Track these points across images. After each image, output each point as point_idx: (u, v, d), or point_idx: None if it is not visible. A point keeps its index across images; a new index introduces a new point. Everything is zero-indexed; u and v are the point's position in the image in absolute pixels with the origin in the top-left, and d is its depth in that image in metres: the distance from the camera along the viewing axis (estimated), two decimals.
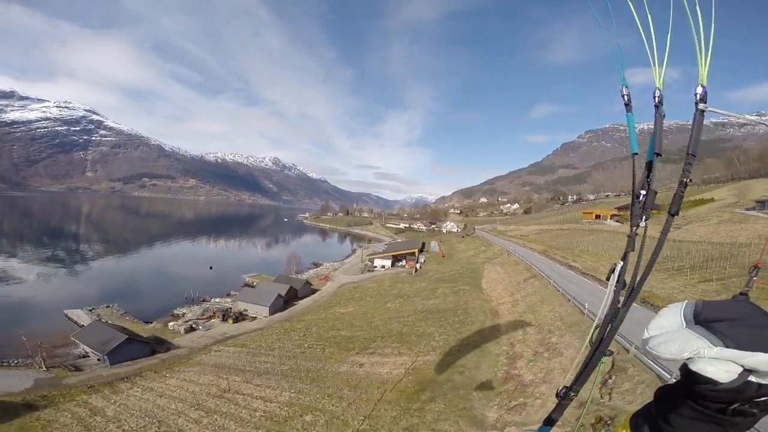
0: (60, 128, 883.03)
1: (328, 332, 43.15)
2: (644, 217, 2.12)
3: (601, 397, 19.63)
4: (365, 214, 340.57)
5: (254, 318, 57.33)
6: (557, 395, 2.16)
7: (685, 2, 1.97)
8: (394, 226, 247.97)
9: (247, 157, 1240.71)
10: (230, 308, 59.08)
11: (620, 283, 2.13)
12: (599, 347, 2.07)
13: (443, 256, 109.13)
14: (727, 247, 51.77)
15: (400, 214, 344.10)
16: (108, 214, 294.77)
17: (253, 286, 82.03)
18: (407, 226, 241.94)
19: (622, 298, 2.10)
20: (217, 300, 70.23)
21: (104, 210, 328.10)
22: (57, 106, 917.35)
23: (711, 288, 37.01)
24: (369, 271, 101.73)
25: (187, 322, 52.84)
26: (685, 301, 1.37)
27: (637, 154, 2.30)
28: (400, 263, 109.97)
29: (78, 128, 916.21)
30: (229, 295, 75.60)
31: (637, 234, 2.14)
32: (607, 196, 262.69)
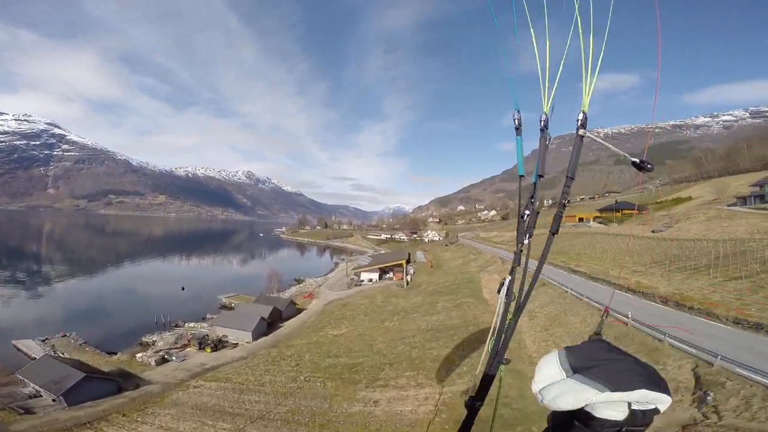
0: (19, 143, 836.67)
1: (325, 360, 37.88)
2: (527, 236, 2.28)
3: (705, 416, 16.38)
4: (344, 227, 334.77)
5: (235, 345, 51.09)
6: (465, 405, 2.25)
7: (581, 39, 2.17)
8: (375, 237, 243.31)
9: (219, 171, 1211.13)
10: (207, 335, 52.53)
11: (509, 296, 2.35)
12: (496, 357, 2.23)
13: (432, 266, 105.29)
14: (730, 244, 50.29)
15: (380, 225, 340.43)
16: (71, 233, 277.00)
17: (231, 308, 75.44)
18: (388, 236, 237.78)
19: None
20: (192, 325, 63.32)
21: (67, 229, 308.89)
22: (15, 119, 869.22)
23: (743, 286, 34.38)
24: (356, 285, 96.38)
25: (158, 352, 46.16)
26: (557, 351, 1.54)
27: (523, 176, 2.49)
28: (388, 275, 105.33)
29: (38, 142, 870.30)
30: (204, 319, 68.75)
31: (522, 251, 2.31)
32: (582, 199, 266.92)
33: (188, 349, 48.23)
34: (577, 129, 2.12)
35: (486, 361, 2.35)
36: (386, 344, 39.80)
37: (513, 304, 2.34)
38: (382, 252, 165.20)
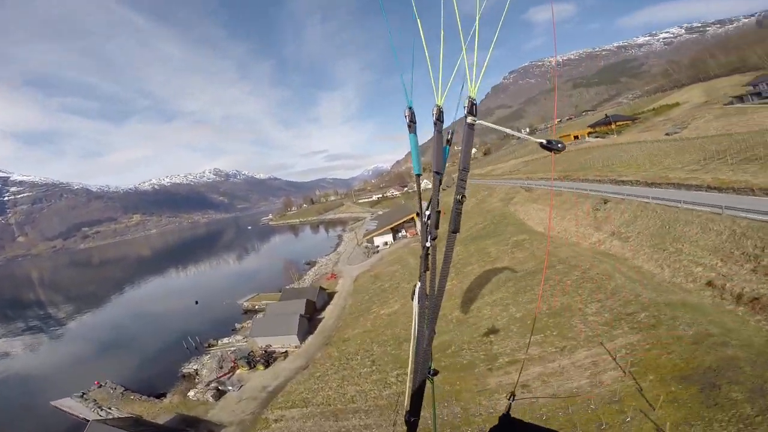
0: None
1: (401, 348, 33.54)
2: (430, 237, 2.30)
3: None
4: (332, 198, 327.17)
5: (284, 353, 46.48)
6: (405, 422, 2.25)
7: (460, 28, 2.17)
8: (366, 200, 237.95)
9: (185, 176, 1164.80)
10: (252, 351, 47.53)
11: (422, 300, 2.32)
12: (419, 369, 2.19)
13: (444, 213, 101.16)
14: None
15: (366, 188, 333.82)
16: (60, 275, 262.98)
17: (257, 311, 70.73)
18: (380, 196, 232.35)
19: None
20: (226, 341, 58.35)
21: (54, 272, 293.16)
22: None
23: None
24: (374, 253, 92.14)
25: (209, 384, 41.16)
26: None
27: (420, 174, 2.53)
28: (400, 234, 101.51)
29: None
30: (235, 330, 63.88)
31: (428, 254, 2.30)
32: (560, 121, 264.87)
33: (238, 371, 43.45)
34: (465, 116, 2.07)
35: (412, 373, 2.28)
36: (461, 309, 35.55)
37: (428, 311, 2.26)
38: (381, 213, 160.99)
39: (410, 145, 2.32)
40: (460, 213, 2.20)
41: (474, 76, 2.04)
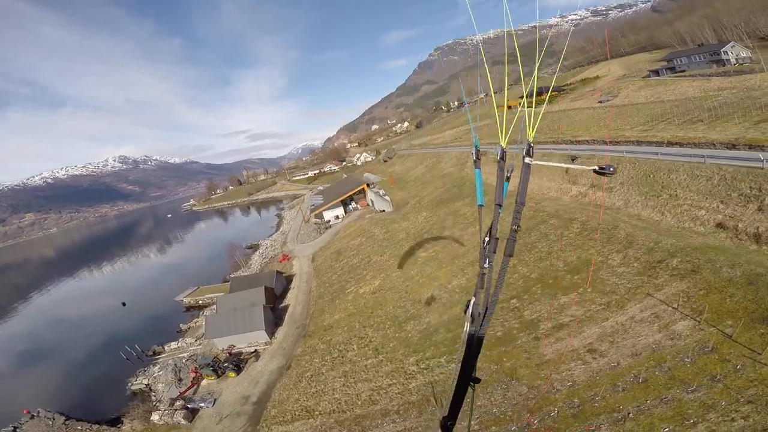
0: None
1: (408, 327, 29.25)
2: (488, 260, 2.64)
3: None
4: (262, 177, 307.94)
5: (254, 352, 39.69)
6: (440, 426, 2.55)
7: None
8: (302, 177, 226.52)
9: (84, 166, 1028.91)
10: (215, 357, 39.84)
11: (476, 315, 2.68)
12: (464, 375, 2.46)
13: (394, 183, 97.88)
14: (709, 97, 52.84)
15: (299, 165, 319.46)
16: None
17: (201, 307, 62.20)
18: (318, 171, 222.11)
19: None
20: (174, 346, 49.76)
21: None
22: None
23: None
24: (326, 228, 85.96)
25: (173, 404, 33.10)
26: None
27: (482, 206, 2.83)
28: (351, 207, 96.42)
29: None
30: (180, 332, 55.28)
31: (484, 274, 2.65)
32: (486, 95, 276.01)
33: (204, 382, 36.01)
34: (524, 157, 2.37)
35: (456, 380, 2.60)
36: (461, 275, 31.96)
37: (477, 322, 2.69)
38: (322, 188, 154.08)
39: (476, 180, 2.88)
40: (516, 240, 2.50)
41: (532, 124, 2.45)
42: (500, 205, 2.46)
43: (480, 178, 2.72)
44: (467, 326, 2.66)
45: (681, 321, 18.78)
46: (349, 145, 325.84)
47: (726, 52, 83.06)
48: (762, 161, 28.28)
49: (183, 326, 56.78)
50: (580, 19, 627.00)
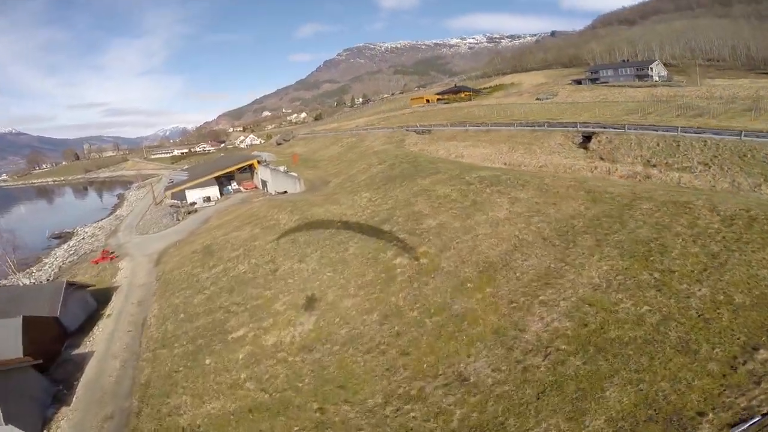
0: None
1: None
2: None
3: None
4: (109, 153, 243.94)
5: None
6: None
7: None
8: (164, 155, 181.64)
9: None
10: None
11: None
12: None
13: (297, 161, 74.26)
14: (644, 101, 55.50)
15: (164, 145, 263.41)
16: None
17: None
18: (187, 151, 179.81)
19: None
20: None
21: None
22: None
23: None
24: (189, 213, 57.25)
25: None
26: None
27: None
28: (231, 188, 69.24)
29: None
30: None
31: None
32: (393, 94, 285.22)
33: None
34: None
35: None
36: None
37: None
38: (188, 166, 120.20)
39: None
40: None
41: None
42: None
43: None
44: None
45: None
46: (231, 129, 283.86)
47: (651, 68, 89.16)
48: None
49: None
50: (476, 43, 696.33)
